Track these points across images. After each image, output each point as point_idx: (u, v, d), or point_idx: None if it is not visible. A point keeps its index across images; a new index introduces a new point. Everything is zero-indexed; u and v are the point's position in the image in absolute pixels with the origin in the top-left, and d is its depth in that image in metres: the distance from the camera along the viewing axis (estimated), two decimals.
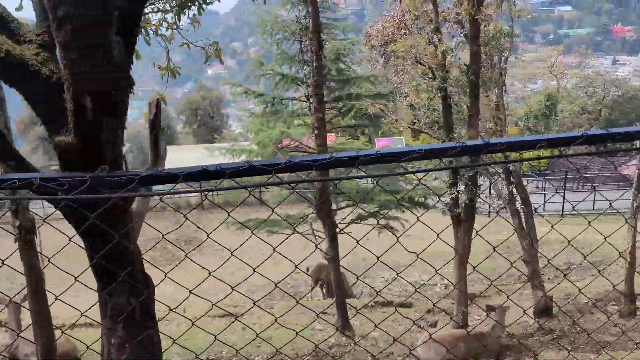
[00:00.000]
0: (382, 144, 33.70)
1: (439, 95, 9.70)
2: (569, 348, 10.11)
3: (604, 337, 10.53)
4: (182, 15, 4.82)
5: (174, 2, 4.63)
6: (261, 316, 12.66)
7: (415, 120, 10.77)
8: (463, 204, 9.93)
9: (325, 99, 14.72)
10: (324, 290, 16.83)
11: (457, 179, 9.96)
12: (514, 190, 11.65)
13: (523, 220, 11.65)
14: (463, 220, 10.16)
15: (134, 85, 2.68)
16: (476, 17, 8.67)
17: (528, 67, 56.63)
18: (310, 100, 9.96)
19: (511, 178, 11.51)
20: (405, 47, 9.73)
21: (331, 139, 17.82)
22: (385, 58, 12.35)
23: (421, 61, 9.76)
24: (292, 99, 14.98)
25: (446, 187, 10.19)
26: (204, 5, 4.84)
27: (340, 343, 10.58)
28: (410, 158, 1.84)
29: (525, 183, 33.73)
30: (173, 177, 1.81)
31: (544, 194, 28.22)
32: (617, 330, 10.91)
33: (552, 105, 43.61)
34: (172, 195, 31.64)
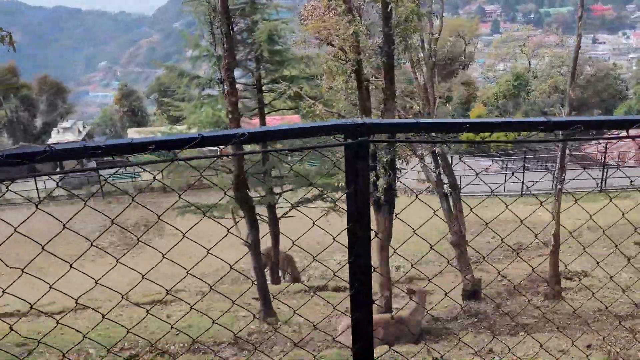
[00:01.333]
0: None
1: (354, 78, 9.49)
2: (489, 331, 10.10)
3: (524, 319, 10.53)
4: None
5: None
6: (191, 302, 12.52)
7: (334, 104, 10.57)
8: (381, 188, 9.80)
9: (262, 81, 14.50)
10: (286, 275, 16.57)
11: (376, 162, 9.81)
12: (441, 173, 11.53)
13: (451, 203, 11.57)
14: (382, 203, 10.04)
15: None
16: None
17: (502, 47, 56.50)
18: (224, 84, 9.68)
19: (439, 160, 11.39)
20: (316, 28, 9.49)
21: (273, 121, 17.57)
22: (318, 39, 12.07)
23: (332, 43, 9.53)
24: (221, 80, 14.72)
25: None
26: None
27: (262, 330, 10.48)
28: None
29: (490, 163, 33.73)
30: None
31: (505, 174, 28.24)
32: (540, 312, 10.94)
33: (520, 85, 43.61)
34: (134, 179, 31.06)
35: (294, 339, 10.12)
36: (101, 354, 9.50)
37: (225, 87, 9.59)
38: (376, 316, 10.14)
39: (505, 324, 10.37)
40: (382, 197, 10.00)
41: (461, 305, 11.54)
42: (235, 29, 14.10)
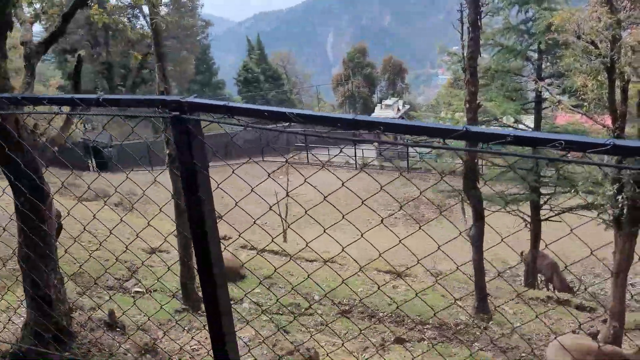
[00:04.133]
0: None
1: (605, 76, 8.38)
2: None
3: None
4: None
5: None
6: (423, 281, 13.03)
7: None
8: (622, 205, 8.62)
9: (542, 74, 13.77)
10: (551, 285, 15.40)
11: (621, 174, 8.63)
12: None
13: None
14: (624, 224, 8.80)
15: None
16: None
17: None
18: (465, 72, 9.69)
19: None
20: (564, 19, 8.53)
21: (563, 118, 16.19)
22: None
23: (580, 35, 8.46)
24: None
25: (607, 183, 8.85)
26: None
27: (470, 323, 10.43)
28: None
29: None
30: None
31: None
32: None
33: None
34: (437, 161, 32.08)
35: (499, 341, 9.81)
36: (324, 301, 10.94)
37: (466, 75, 9.67)
38: (593, 345, 9.09)
39: None
40: (625, 213, 8.76)
41: None
42: (522, 18, 13.74)
